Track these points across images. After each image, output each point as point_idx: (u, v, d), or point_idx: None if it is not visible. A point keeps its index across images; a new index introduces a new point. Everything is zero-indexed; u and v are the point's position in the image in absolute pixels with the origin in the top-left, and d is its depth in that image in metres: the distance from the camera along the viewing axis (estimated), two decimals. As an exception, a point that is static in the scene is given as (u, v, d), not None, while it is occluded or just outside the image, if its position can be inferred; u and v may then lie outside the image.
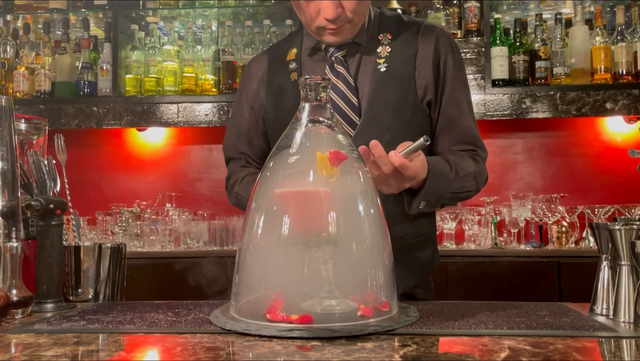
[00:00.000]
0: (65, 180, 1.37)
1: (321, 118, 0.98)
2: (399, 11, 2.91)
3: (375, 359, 0.72)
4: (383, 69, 1.34)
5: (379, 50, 1.36)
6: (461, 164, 1.30)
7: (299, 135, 0.95)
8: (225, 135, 1.53)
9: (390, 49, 1.35)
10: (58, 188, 1.29)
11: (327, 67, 1.37)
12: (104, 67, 3.12)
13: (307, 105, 0.98)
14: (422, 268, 1.40)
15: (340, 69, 1.35)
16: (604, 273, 1.00)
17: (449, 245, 2.88)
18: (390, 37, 1.37)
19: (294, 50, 1.42)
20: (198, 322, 0.96)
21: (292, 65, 1.41)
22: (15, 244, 1.04)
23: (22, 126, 1.34)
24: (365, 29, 1.36)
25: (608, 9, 3.05)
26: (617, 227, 0.94)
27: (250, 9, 3.19)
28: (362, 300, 0.89)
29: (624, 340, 0.83)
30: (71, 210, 1.40)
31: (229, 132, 1.52)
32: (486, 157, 1.40)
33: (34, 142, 1.37)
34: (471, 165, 1.32)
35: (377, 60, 1.35)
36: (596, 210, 2.82)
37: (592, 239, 2.78)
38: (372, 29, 1.38)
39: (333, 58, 1.36)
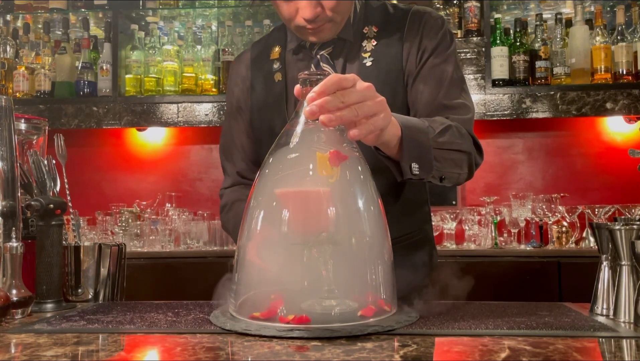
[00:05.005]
0: (65, 180, 1.37)
1: None
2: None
3: (375, 359, 0.72)
4: (369, 64, 1.29)
5: (364, 44, 1.31)
6: (433, 120, 1.15)
7: (298, 133, 0.94)
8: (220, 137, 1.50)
9: (375, 42, 1.31)
10: (58, 188, 1.29)
11: (312, 65, 1.31)
12: (104, 67, 3.12)
13: (306, 103, 0.97)
14: (414, 272, 1.35)
15: (327, 67, 1.31)
16: (604, 273, 1.00)
17: (449, 245, 2.88)
18: (375, 30, 1.32)
19: (277, 49, 1.38)
20: (198, 322, 0.96)
21: (276, 65, 1.36)
22: (15, 244, 1.04)
23: (22, 126, 1.34)
24: (351, 24, 1.32)
25: (608, 9, 3.04)
26: (617, 227, 0.94)
27: (250, 9, 3.19)
28: (362, 300, 0.89)
29: (624, 340, 0.83)
30: (71, 210, 1.40)
31: (221, 135, 1.48)
32: (466, 120, 1.24)
33: (34, 142, 1.37)
34: (445, 121, 1.17)
35: (363, 55, 1.30)
36: (596, 210, 2.81)
37: (592, 239, 2.77)
38: (358, 22, 1.33)
39: (318, 56, 1.32)
